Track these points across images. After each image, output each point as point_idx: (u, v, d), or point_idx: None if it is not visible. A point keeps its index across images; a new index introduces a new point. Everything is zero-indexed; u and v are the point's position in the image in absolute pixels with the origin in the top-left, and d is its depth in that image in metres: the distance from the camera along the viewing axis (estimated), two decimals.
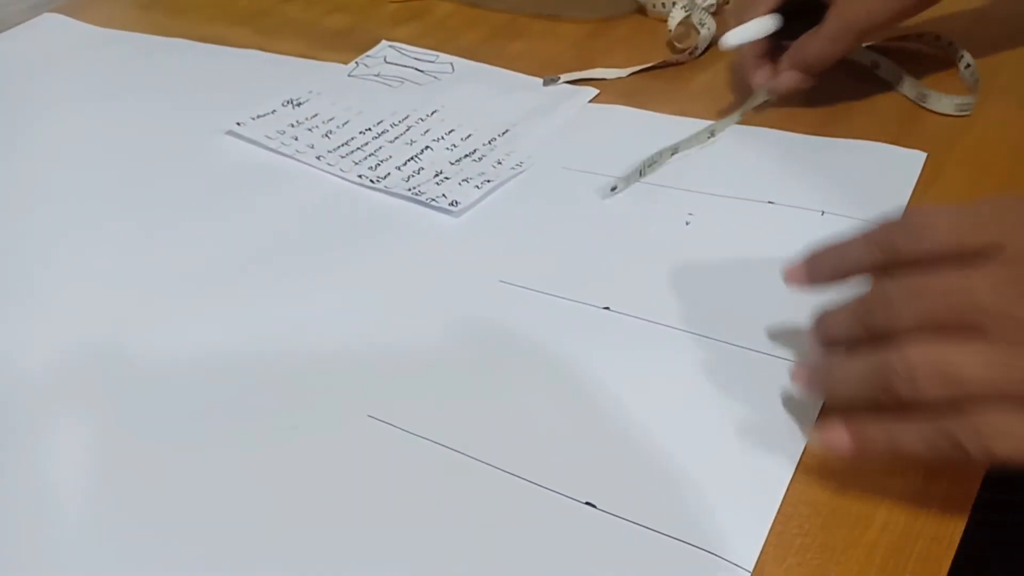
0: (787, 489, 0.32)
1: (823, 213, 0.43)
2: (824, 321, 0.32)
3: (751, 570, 0.29)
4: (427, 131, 0.54)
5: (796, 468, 0.32)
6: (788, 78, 0.50)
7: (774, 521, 0.31)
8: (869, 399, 0.29)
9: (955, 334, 0.27)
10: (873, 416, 0.30)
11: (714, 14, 0.61)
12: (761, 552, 0.30)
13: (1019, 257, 0.27)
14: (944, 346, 0.28)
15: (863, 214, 0.42)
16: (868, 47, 0.55)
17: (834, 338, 0.32)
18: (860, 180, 0.46)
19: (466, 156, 0.52)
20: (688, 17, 0.60)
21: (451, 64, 0.62)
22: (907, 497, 0.31)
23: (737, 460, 0.33)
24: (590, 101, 0.56)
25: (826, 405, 0.34)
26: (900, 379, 0.28)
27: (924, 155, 0.47)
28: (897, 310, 0.29)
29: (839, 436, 0.30)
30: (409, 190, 0.49)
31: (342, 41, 0.67)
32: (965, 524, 0.30)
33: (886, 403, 0.29)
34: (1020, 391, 0.26)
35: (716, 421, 0.34)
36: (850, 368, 0.30)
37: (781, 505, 0.31)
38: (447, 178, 0.50)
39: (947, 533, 0.30)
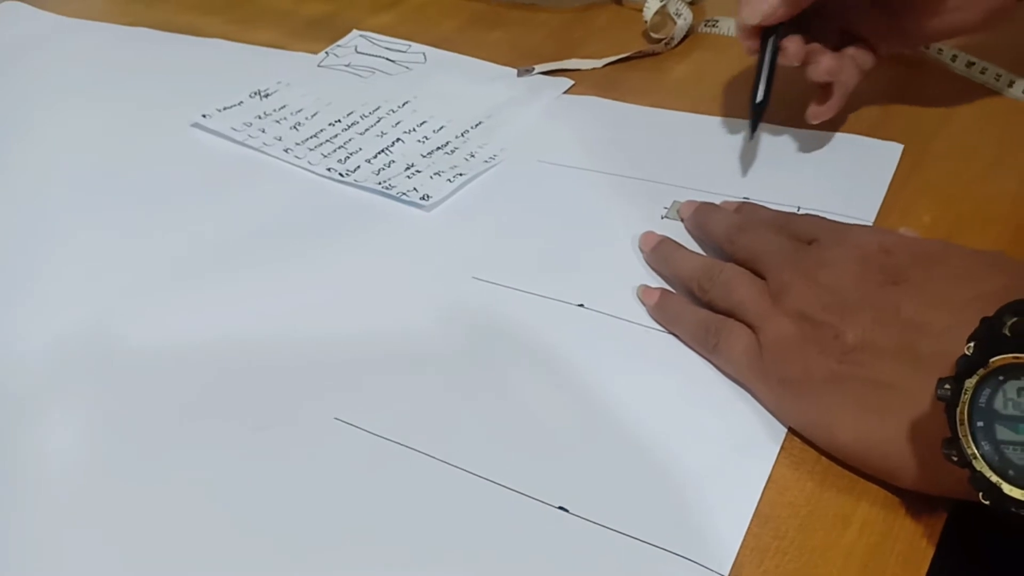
0: (763, 491, 0.31)
1: (799, 208, 0.42)
2: (676, 259, 0.40)
3: (727, 574, 0.29)
4: (398, 123, 0.53)
5: (772, 469, 0.32)
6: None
7: (751, 523, 0.30)
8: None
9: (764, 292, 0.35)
10: (681, 301, 0.38)
11: (691, 4, 0.60)
12: (737, 555, 0.29)
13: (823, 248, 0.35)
14: (745, 278, 0.36)
15: (839, 208, 0.41)
16: None
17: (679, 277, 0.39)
18: (836, 173, 0.45)
19: (438, 148, 0.51)
20: (664, 7, 0.59)
21: (423, 54, 0.61)
22: (885, 497, 0.31)
23: (712, 462, 0.32)
24: (565, 92, 0.55)
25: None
26: (705, 288, 0.37)
27: (901, 147, 0.46)
28: (729, 290, 0.36)
29: (650, 296, 0.38)
30: (379, 183, 0.48)
31: (317, 30, 0.65)
32: (944, 523, 0.30)
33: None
34: (753, 319, 0.35)
35: (690, 423, 0.34)
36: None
37: (757, 507, 0.30)
38: (418, 171, 0.49)
39: (927, 533, 0.29)
